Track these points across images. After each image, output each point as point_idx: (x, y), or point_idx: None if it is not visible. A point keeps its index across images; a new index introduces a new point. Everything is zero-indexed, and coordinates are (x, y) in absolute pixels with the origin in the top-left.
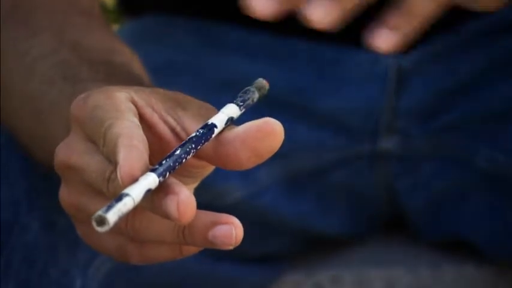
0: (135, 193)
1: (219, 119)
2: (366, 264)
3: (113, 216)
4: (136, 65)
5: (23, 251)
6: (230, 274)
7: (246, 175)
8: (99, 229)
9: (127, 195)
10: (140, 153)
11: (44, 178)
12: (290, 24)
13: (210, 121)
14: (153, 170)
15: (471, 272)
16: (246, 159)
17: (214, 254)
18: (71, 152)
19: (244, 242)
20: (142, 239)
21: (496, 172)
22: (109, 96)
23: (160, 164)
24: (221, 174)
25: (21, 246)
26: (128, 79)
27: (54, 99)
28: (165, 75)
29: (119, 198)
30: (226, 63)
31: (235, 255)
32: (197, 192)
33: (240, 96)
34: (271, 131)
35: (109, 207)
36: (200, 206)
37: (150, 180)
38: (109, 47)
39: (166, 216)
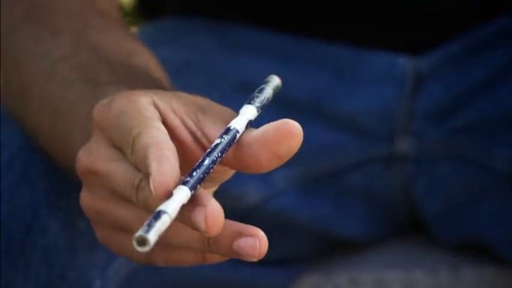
0: (172, 210)
1: (240, 123)
2: (384, 266)
3: (153, 236)
4: (155, 66)
5: (43, 252)
6: (249, 277)
7: (263, 178)
8: (140, 249)
9: (164, 212)
10: (172, 164)
11: (64, 180)
12: (308, 26)
13: (232, 126)
14: (184, 183)
15: (491, 274)
16: (266, 162)
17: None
18: (94, 157)
19: None
20: (168, 244)
21: None
22: (132, 101)
23: (191, 176)
24: (238, 177)
25: (41, 247)
26: (146, 81)
27: (73, 102)
28: (182, 76)
29: (157, 216)
30: (243, 65)
31: None
32: (214, 196)
33: (256, 97)
34: (290, 132)
35: (149, 227)
36: None
37: (184, 195)
38: (128, 48)
39: (195, 228)
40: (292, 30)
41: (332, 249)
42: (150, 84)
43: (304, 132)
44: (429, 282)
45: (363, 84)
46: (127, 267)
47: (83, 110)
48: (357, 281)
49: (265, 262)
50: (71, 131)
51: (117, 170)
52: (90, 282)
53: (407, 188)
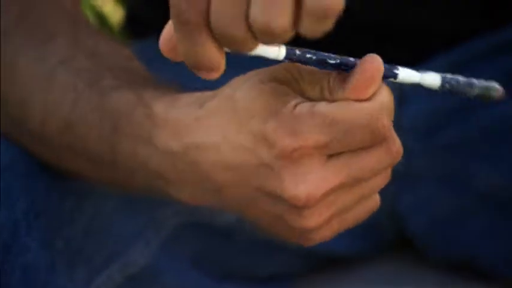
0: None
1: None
2: (373, 284)
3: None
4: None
5: (22, 272)
6: None
7: None
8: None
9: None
10: None
11: (43, 198)
12: (294, 40)
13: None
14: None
15: None
16: None
17: (220, 274)
18: (320, 181)
19: (250, 262)
20: (361, 180)
21: (495, 192)
22: None
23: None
24: None
25: (20, 267)
26: (149, 84)
27: (83, 111)
28: None
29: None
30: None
31: (242, 275)
32: (198, 211)
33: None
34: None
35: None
36: (200, 225)
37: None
38: (125, 53)
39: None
40: None
41: (320, 266)
42: (153, 86)
43: None
44: None
45: None
46: (108, 285)
47: (93, 121)
48: None
49: (254, 280)
50: (86, 141)
51: (362, 168)
52: None
53: (393, 205)
